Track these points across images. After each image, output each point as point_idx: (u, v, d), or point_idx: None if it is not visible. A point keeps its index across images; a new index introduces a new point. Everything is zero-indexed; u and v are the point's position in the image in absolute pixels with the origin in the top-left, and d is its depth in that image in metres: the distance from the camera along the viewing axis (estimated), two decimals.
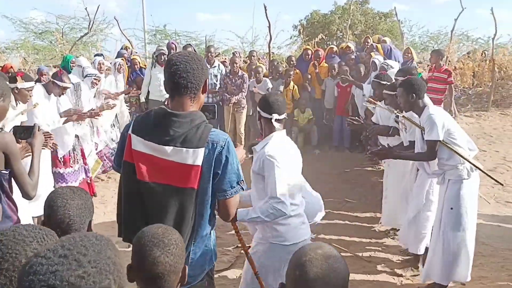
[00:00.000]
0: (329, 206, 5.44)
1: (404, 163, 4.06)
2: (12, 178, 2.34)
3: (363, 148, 7.32)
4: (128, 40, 12.30)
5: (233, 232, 4.47)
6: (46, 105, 4.62)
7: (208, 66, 7.18)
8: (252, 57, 8.36)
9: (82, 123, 5.45)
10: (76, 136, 5.29)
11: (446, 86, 6.96)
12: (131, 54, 8.60)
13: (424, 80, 6.31)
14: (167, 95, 2.06)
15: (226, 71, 7.57)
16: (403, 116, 3.53)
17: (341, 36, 16.53)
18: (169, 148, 1.91)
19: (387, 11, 18.31)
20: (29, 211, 3.29)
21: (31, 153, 2.53)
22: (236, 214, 2.25)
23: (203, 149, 1.91)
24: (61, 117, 4.82)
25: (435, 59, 7.10)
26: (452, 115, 6.08)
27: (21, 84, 3.89)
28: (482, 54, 12.37)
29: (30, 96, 4.11)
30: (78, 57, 6.94)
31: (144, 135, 1.94)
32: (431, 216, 3.72)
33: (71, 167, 5.15)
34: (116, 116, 6.81)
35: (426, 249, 3.73)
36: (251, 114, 7.52)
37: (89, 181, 5.51)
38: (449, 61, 10.71)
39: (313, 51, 8.26)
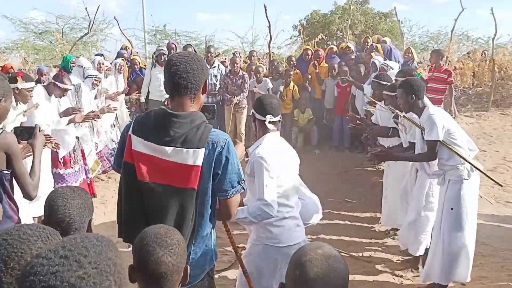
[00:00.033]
0: (329, 206, 5.46)
1: (404, 163, 4.06)
2: (13, 179, 2.35)
3: (363, 148, 7.32)
4: (128, 40, 12.30)
5: (233, 232, 4.49)
6: (46, 106, 4.63)
7: (208, 67, 7.18)
8: (252, 57, 8.36)
9: (82, 124, 5.46)
10: (76, 137, 5.29)
11: (446, 86, 6.97)
12: (131, 54, 8.60)
13: (424, 81, 6.33)
14: (167, 95, 2.06)
15: (226, 71, 7.57)
16: (403, 116, 3.53)
17: (341, 36, 16.53)
18: (169, 149, 1.91)
19: (387, 11, 18.33)
20: (30, 212, 3.30)
21: (32, 154, 2.53)
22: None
23: (203, 149, 1.91)
24: (60, 117, 4.82)
25: (435, 59, 7.11)
26: (452, 115, 6.09)
27: (21, 84, 3.89)
28: (482, 54, 12.37)
29: (31, 96, 4.11)
30: (78, 57, 6.94)
31: (144, 136, 1.95)
32: (431, 218, 3.72)
33: (72, 167, 5.15)
34: (116, 116, 6.81)
35: (426, 250, 3.73)
36: (251, 114, 7.51)
37: (89, 182, 5.52)
38: (449, 61, 10.71)
39: (313, 51, 8.26)
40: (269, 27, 9.16)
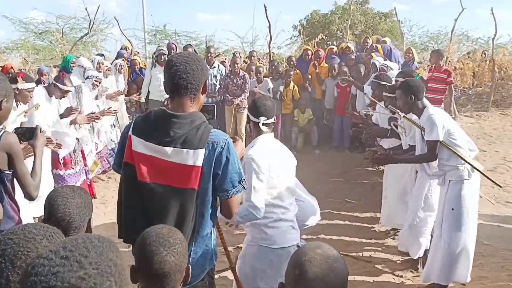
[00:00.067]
0: (329, 206, 5.47)
1: (403, 163, 4.06)
2: (15, 179, 2.35)
3: (363, 148, 7.32)
4: (129, 40, 12.30)
5: (233, 232, 4.49)
6: (47, 107, 4.63)
7: (208, 67, 7.18)
8: (252, 57, 8.36)
9: (82, 126, 5.46)
10: (76, 138, 5.29)
11: (446, 86, 6.97)
12: (131, 54, 8.60)
13: (424, 81, 6.34)
14: (167, 95, 2.07)
15: (225, 71, 7.58)
16: (404, 116, 3.53)
17: (341, 36, 16.54)
18: (169, 149, 1.91)
19: (387, 11, 18.34)
20: (30, 212, 3.30)
21: (33, 154, 2.54)
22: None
23: (203, 150, 1.91)
24: (61, 118, 4.83)
25: (435, 59, 7.11)
26: (452, 115, 6.10)
27: (21, 85, 3.90)
28: (482, 54, 12.37)
29: (31, 97, 4.11)
30: (78, 57, 6.94)
31: (145, 136, 1.95)
32: (429, 219, 3.74)
33: (73, 168, 5.16)
34: (116, 116, 6.81)
35: (426, 251, 3.74)
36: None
37: (88, 183, 5.52)
38: (449, 61, 10.71)
39: (313, 52, 8.26)
40: (269, 27, 9.16)
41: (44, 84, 5.59)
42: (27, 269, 0.83)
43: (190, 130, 1.91)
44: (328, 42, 15.98)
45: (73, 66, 6.46)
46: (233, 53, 8.20)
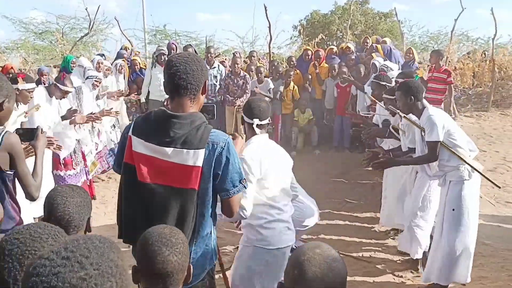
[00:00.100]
0: (329, 207, 5.47)
1: None
2: (16, 179, 2.36)
3: (363, 148, 7.32)
4: (129, 40, 12.31)
5: (233, 231, 4.49)
6: (47, 108, 4.63)
7: (208, 67, 7.18)
8: (252, 58, 8.36)
9: (82, 126, 5.46)
10: (76, 138, 5.30)
11: (446, 86, 6.97)
12: (131, 54, 8.60)
13: (424, 81, 6.34)
14: (167, 95, 2.07)
15: (225, 71, 7.57)
16: (404, 116, 3.53)
17: (341, 36, 16.54)
18: (169, 150, 1.91)
19: (387, 11, 18.35)
20: (30, 212, 3.31)
21: (33, 155, 2.54)
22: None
23: (203, 150, 1.92)
24: (63, 119, 4.83)
25: (435, 59, 7.11)
26: (451, 115, 6.10)
27: (22, 85, 3.90)
28: (482, 54, 12.38)
29: (31, 97, 4.11)
30: (79, 58, 6.95)
31: (145, 137, 1.95)
32: (428, 221, 3.75)
33: (74, 169, 5.17)
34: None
35: (427, 251, 3.75)
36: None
37: (88, 184, 5.53)
38: (449, 61, 10.72)
39: (313, 52, 8.26)
40: (269, 27, 9.17)
41: (44, 84, 5.60)
42: (28, 269, 0.84)
43: (190, 130, 1.91)
44: (328, 42, 15.99)
45: (73, 66, 6.47)
46: (233, 53, 8.21)
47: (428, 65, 8.91)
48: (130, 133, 1.98)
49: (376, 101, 4.53)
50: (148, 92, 7.34)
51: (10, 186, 2.32)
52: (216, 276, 2.85)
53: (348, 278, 3.70)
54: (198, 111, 2.02)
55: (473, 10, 32.41)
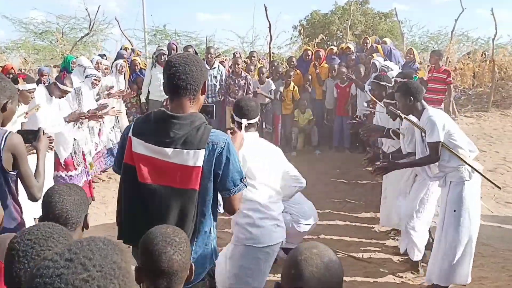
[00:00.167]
0: (329, 207, 5.47)
1: None
2: (18, 180, 2.36)
3: (363, 148, 7.32)
4: (129, 40, 12.32)
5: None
6: (47, 108, 4.64)
7: (208, 68, 7.17)
8: (253, 58, 8.36)
9: (82, 126, 5.47)
10: (75, 138, 5.30)
11: (446, 87, 6.97)
12: (131, 54, 8.61)
13: (424, 82, 6.33)
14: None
15: (225, 71, 7.57)
16: (404, 117, 3.53)
17: (341, 37, 16.55)
18: (169, 150, 1.91)
19: (387, 11, 18.39)
20: (31, 213, 3.30)
21: (33, 153, 2.55)
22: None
23: (203, 150, 1.92)
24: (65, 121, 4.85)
25: (435, 59, 7.12)
26: (451, 116, 6.09)
27: (22, 85, 3.90)
28: (482, 54, 12.38)
29: (32, 97, 4.12)
30: (78, 57, 6.95)
31: (145, 137, 1.95)
32: (423, 222, 3.76)
33: (75, 169, 5.18)
34: (116, 117, 6.82)
35: (428, 252, 3.75)
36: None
37: (88, 184, 5.54)
38: (449, 61, 10.72)
39: (313, 52, 8.27)
40: (270, 27, 9.17)
41: (44, 84, 5.60)
42: (32, 271, 0.84)
43: (190, 131, 1.91)
44: (328, 43, 16.00)
45: (73, 67, 6.47)
46: (233, 53, 8.21)
47: (428, 66, 8.92)
48: (130, 134, 1.99)
49: (377, 101, 4.53)
50: (148, 92, 7.34)
51: (12, 186, 2.33)
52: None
53: (348, 279, 3.74)
54: (197, 112, 2.02)
55: (473, 10, 32.48)
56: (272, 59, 9.32)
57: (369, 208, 5.39)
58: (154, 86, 7.14)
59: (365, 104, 5.50)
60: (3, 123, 2.35)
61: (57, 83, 4.77)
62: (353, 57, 7.72)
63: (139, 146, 1.95)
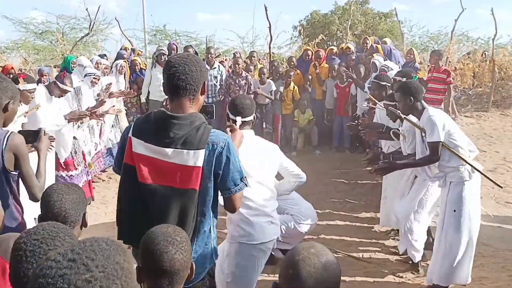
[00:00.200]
0: (329, 207, 5.47)
1: None
2: (20, 180, 2.37)
3: (363, 148, 7.33)
4: (129, 40, 12.33)
5: None
6: (48, 107, 4.64)
7: (208, 68, 7.17)
8: (253, 58, 8.36)
9: (82, 125, 5.47)
10: (75, 138, 5.30)
11: (446, 87, 6.97)
12: (130, 54, 8.61)
13: (424, 82, 6.33)
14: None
15: (225, 71, 7.57)
16: (404, 117, 3.53)
17: (341, 37, 16.56)
18: (169, 150, 1.92)
19: (387, 11, 18.40)
20: (32, 212, 3.30)
21: (33, 151, 2.55)
22: None
23: (203, 150, 1.92)
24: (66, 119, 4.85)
25: (435, 59, 7.12)
26: (451, 115, 6.09)
27: (23, 85, 3.90)
28: (482, 54, 12.38)
29: (32, 97, 4.12)
30: (79, 57, 6.96)
31: (145, 138, 1.95)
32: (421, 223, 3.76)
33: (76, 169, 5.18)
34: (116, 116, 6.83)
35: (428, 252, 3.76)
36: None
37: (88, 184, 5.54)
38: (449, 61, 10.73)
39: (313, 52, 8.27)
40: (270, 27, 9.17)
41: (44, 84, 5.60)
42: (35, 271, 0.84)
43: (190, 131, 1.92)
44: (328, 43, 16.00)
45: (73, 67, 6.47)
46: (234, 53, 8.21)
47: (428, 66, 8.93)
48: (130, 134, 1.99)
49: (376, 102, 4.53)
50: (148, 92, 7.34)
51: (14, 187, 2.34)
52: None
53: (348, 279, 3.75)
54: (197, 112, 2.02)
55: (473, 10, 32.50)
56: (272, 59, 9.32)
57: (369, 208, 5.39)
58: (154, 86, 7.14)
59: (365, 103, 5.50)
60: (4, 124, 2.35)
61: (57, 82, 4.77)
62: (353, 57, 7.72)
63: (139, 146, 1.96)
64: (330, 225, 4.96)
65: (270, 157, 2.87)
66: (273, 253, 3.83)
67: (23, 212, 2.43)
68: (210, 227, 2.08)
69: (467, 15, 22.60)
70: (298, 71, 7.92)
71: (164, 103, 6.70)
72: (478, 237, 3.44)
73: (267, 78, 7.55)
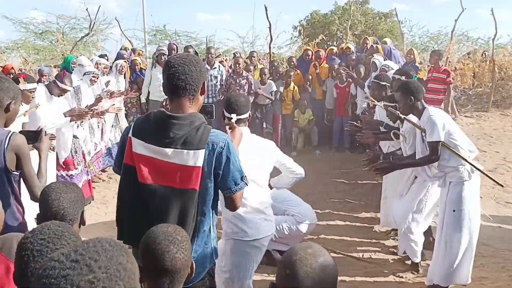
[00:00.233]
0: (329, 207, 5.48)
1: None
2: (21, 180, 2.37)
3: (363, 148, 7.32)
4: (129, 40, 12.33)
5: None
6: (48, 106, 4.64)
7: (208, 68, 7.17)
8: (253, 58, 8.36)
9: (83, 125, 5.47)
10: (76, 137, 5.30)
11: (446, 86, 6.97)
12: (130, 54, 8.60)
13: (424, 82, 6.34)
14: None
15: (225, 71, 7.57)
16: (404, 117, 3.53)
17: (341, 37, 16.56)
18: (169, 150, 1.92)
19: (387, 11, 18.40)
20: (32, 213, 3.31)
21: (37, 154, 2.56)
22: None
23: (203, 150, 1.92)
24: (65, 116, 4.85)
25: (434, 59, 7.12)
26: (451, 115, 6.09)
27: (23, 85, 3.91)
28: (482, 54, 12.39)
29: (33, 97, 4.13)
30: (79, 57, 6.96)
31: (145, 138, 1.96)
32: (419, 223, 3.76)
33: (76, 169, 5.18)
34: (116, 116, 6.83)
35: (428, 252, 3.76)
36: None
37: (88, 183, 5.55)
38: (449, 61, 10.73)
39: (313, 52, 8.27)
40: (270, 27, 9.18)
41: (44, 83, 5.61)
42: (38, 271, 0.85)
43: (189, 131, 1.92)
44: (328, 43, 16.01)
45: (74, 67, 6.47)
46: (234, 53, 8.21)
47: (428, 66, 8.93)
48: (130, 134, 1.99)
49: (375, 102, 4.52)
50: (148, 92, 7.34)
51: (15, 186, 2.34)
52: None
53: (349, 279, 3.75)
54: (197, 112, 2.03)
55: (473, 10, 32.52)
56: (272, 59, 9.32)
57: (369, 208, 5.39)
58: (154, 86, 7.14)
59: (365, 103, 5.50)
60: (6, 124, 2.36)
61: (57, 81, 4.78)
62: (353, 57, 7.72)
63: (139, 147, 1.96)
64: (330, 225, 4.96)
65: (270, 156, 2.89)
66: (272, 253, 3.85)
67: (24, 212, 2.43)
68: (210, 227, 2.08)
69: (467, 15, 22.62)
70: (298, 71, 7.92)
71: (164, 103, 6.70)
72: (478, 237, 3.44)
73: (268, 78, 7.55)
